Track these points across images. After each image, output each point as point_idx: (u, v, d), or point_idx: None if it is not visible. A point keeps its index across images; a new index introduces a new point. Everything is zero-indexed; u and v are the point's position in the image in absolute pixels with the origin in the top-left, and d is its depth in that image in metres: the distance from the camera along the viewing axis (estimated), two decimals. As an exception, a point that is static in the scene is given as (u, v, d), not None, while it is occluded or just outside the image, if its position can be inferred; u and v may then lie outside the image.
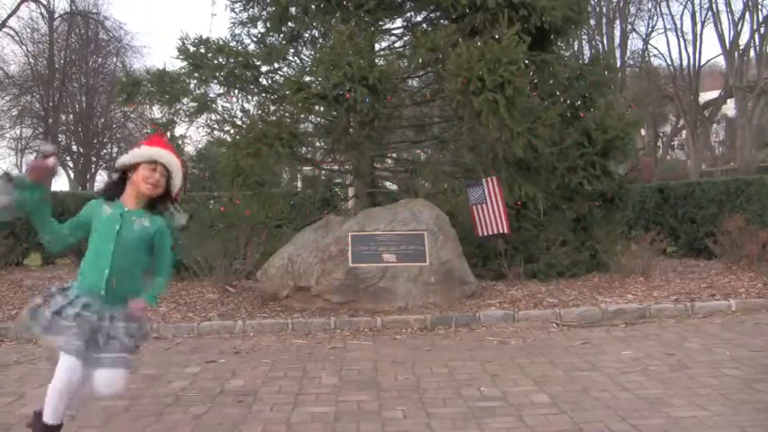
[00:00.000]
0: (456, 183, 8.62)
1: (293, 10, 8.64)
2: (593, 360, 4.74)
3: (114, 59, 28.09)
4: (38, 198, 2.80)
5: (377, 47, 8.81)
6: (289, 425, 3.54)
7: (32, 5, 26.51)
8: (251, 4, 9.20)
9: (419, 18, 9.26)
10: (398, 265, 6.87)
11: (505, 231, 7.61)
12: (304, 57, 9.36)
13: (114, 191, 3.03)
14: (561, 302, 6.70)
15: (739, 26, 23.62)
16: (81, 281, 2.93)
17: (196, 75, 8.14)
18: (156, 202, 3.02)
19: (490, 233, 7.66)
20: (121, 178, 3.01)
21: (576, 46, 22.14)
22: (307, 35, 9.29)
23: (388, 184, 11.35)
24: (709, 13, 24.69)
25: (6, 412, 3.81)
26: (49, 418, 2.81)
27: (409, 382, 4.30)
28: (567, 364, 4.63)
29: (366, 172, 8.66)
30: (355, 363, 4.88)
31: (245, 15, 9.28)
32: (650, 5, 26.66)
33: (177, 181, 3.04)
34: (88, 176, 28.69)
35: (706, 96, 29.10)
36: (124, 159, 3.01)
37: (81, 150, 27.91)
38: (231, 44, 8.57)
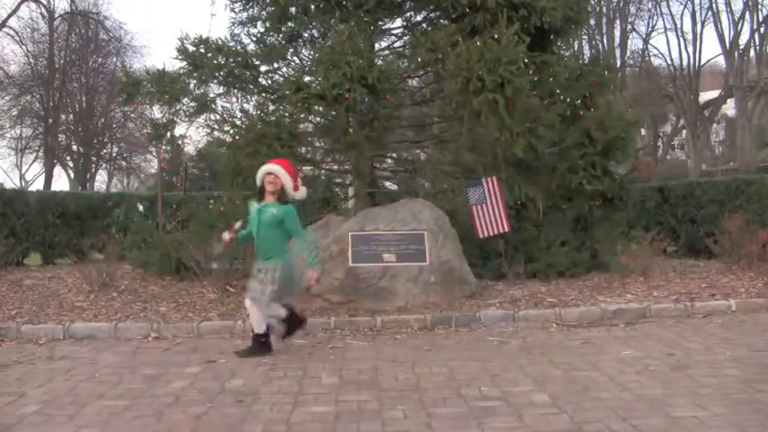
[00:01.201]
0: (456, 183, 8.62)
1: (292, 10, 8.63)
2: (593, 360, 4.74)
3: (114, 59, 28.10)
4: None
5: (376, 47, 8.80)
6: (289, 425, 3.54)
7: (32, 5, 26.54)
8: (250, 4, 9.19)
9: (419, 18, 9.25)
10: (398, 264, 6.87)
11: (506, 229, 7.61)
12: (303, 57, 9.36)
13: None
14: (561, 302, 6.70)
15: (739, 26, 23.65)
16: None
17: (195, 75, 8.13)
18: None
19: (491, 233, 7.66)
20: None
21: (576, 46, 22.14)
22: (306, 35, 9.28)
23: (388, 184, 11.35)
24: (709, 13, 24.73)
25: (6, 412, 3.81)
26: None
27: (409, 382, 4.30)
28: (567, 364, 4.63)
29: (366, 172, 8.65)
30: (355, 362, 4.88)
31: (244, 15, 9.26)
32: (650, 5, 26.69)
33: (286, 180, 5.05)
34: (88, 176, 28.70)
35: (706, 96, 29.12)
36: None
37: (81, 150, 27.90)
38: (230, 44, 8.56)
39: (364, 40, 7.79)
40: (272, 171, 5.05)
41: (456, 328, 6.07)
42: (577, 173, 8.28)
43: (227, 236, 5.26)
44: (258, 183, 5.13)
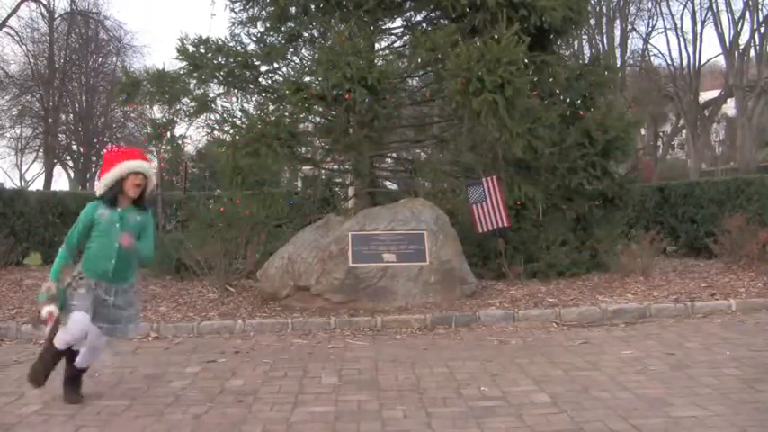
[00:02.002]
0: (456, 183, 8.62)
1: (293, 10, 8.63)
2: (593, 359, 4.74)
3: (114, 59, 28.13)
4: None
5: (376, 47, 8.81)
6: (289, 425, 3.54)
7: (32, 5, 26.55)
8: (250, 3, 9.19)
9: (419, 18, 9.26)
10: (398, 264, 6.87)
11: (505, 224, 7.61)
12: (303, 57, 9.37)
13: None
14: (561, 302, 6.70)
15: (739, 26, 23.64)
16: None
17: (196, 75, 8.14)
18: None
19: (490, 228, 7.67)
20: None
21: (575, 46, 22.13)
22: (306, 35, 9.28)
23: (388, 183, 11.35)
24: (709, 13, 24.72)
25: (6, 412, 3.81)
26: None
27: (409, 382, 4.30)
28: (567, 364, 4.63)
29: (366, 172, 8.66)
30: (355, 362, 4.88)
31: (244, 15, 9.27)
32: (650, 5, 26.67)
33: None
34: (88, 176, 28.71)
35: (706, 96, 29.12)
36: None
37: (81, 150, 27.92)
38: (230, 44, 8.57)
39: (364, 40, 7.80)
40: (143, 171, 3.89)
41: (456, 327, 6.07)
42: (577, 173, 8.29)
43: (47, 311, 3.78)
44: (114, 181, 3.87)
